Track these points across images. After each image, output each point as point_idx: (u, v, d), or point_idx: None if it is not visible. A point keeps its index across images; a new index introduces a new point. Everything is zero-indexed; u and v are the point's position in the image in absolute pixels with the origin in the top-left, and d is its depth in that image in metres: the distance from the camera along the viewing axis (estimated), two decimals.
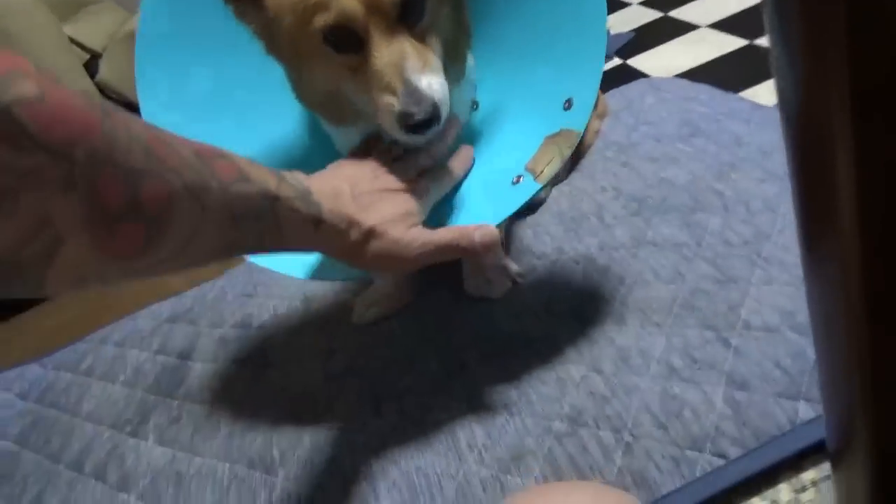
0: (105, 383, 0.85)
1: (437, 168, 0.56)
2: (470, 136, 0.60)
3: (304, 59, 0.52)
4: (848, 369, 0.28)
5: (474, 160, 0.59)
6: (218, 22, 0.53)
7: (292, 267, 0.60)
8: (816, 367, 0.45)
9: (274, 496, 0.56)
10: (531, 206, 0.77)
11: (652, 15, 1.95)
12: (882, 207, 0.22)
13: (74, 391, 0.86)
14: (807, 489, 0.42)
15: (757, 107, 0.80)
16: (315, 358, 0.70)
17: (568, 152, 0.53)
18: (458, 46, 0.56)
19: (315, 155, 0.59)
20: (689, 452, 0.44)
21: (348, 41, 0.49)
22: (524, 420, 0.52)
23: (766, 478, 0.43)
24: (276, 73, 0.56)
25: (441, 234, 0.51)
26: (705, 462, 0.44)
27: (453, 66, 0.55)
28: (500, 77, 0.60)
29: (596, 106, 0.78)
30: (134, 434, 0.73)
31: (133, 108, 0.54)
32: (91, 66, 1.84)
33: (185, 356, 0.82)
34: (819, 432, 0.42)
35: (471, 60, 0.60)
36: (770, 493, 0.42)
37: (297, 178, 0.47)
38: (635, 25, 1.94)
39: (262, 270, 0.91)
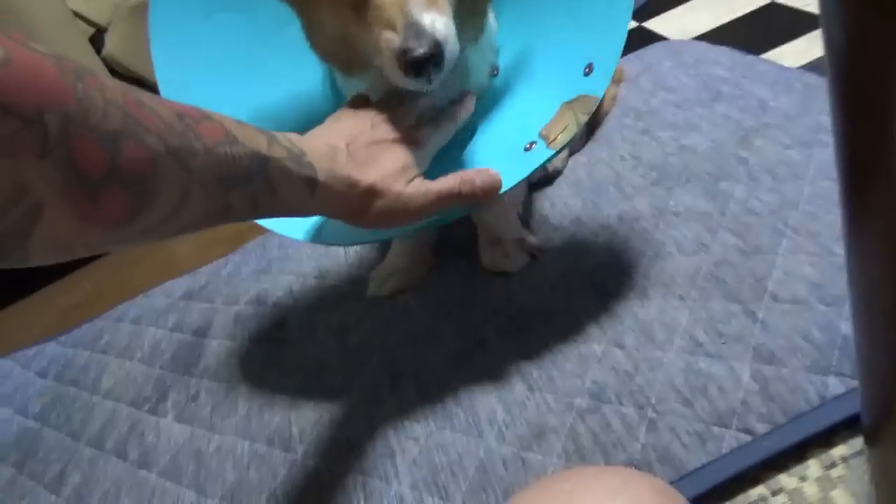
0: (123, 360, 0.85)
1: (438, 114, 0.54)
2: (488, 101, 0.59)
3: (311, 1, 0.51)
4: (890, 341, 0.26)
5: (485, 118, 0.57)
6: None
7: (293, 229, 0.59)
8: (847, 341, 0.44)
9: (294, 473, 0.56)
10: (548, 178, 0.76)
11: None
12: None
13: (93, 368, 0.87)
14: (837, 465, 0.41)
15: (781, 69, 0.78)
16: (331, 334, 0.70)
17: (584, 119, 0.51)
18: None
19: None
20: (714, 428, 0.44)
21: None
22: (545, 396, 0.51)
23: (795, 454, 0.42)
24: (294, 31, 0.54)
25: (441, 183, 0.50)
26: (732, 438, 0.43)
27: (471, 19, 0.53)
28: (523, 40, 0.59)
29: None
30: (153, 411, 0.73)
31: (142, 84, 0.53)
32: (96, 41, 1.82)
33: (201, 333, 0.81)
34: (850, 407, 0.41)
35: (493, 24, 0.58)
36: (798, 470, 0.41)
37: (290, 139, 0.46)
38: None
39: (276, 246, 0.91)
